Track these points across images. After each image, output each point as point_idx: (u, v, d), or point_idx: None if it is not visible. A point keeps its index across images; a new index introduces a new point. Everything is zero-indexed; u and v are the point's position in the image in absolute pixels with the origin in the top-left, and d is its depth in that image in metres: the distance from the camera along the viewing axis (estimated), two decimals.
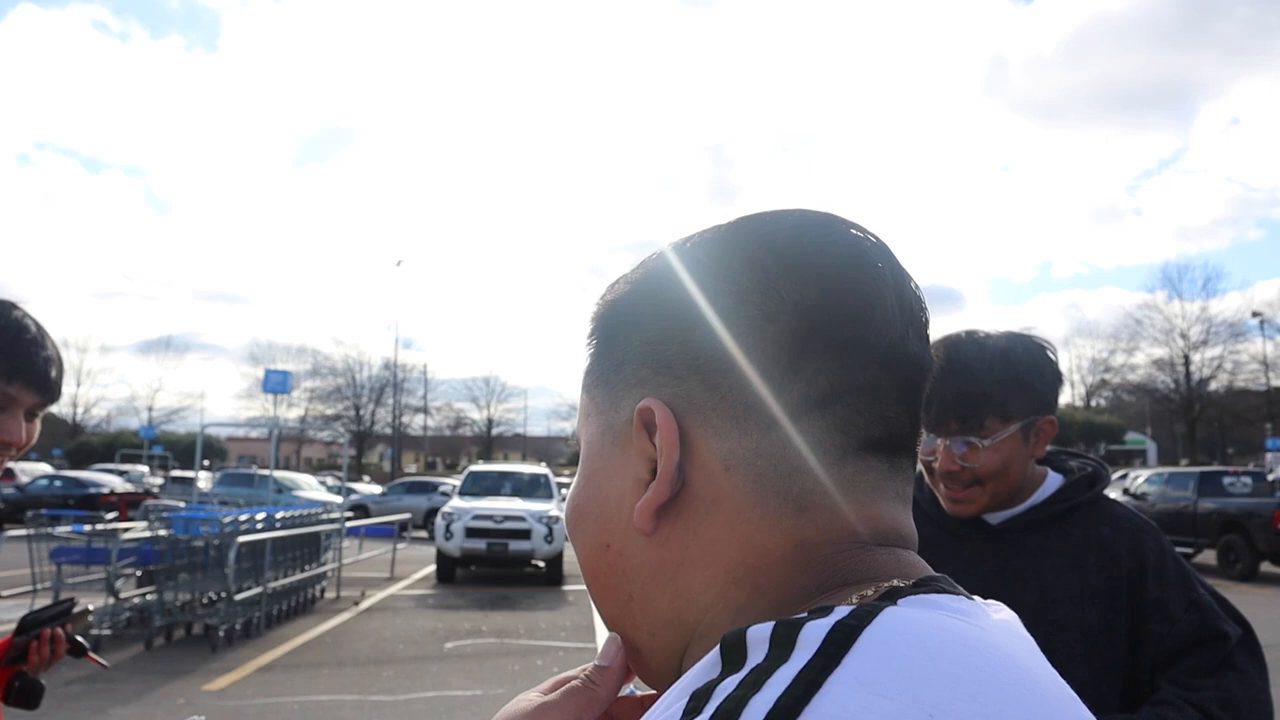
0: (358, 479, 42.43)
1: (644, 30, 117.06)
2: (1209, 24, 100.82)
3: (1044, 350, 1.74)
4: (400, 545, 17.84)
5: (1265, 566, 16.78)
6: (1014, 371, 1.67)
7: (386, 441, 69.39)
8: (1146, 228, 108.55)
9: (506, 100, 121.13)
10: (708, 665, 0.50)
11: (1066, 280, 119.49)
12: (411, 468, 72.11)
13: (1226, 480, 18.80)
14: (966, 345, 1.71)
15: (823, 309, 0.58)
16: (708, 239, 0.64)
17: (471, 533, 15.30)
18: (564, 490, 25.92)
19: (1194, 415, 65.53)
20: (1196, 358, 66.03)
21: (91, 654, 2.17)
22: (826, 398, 0.58)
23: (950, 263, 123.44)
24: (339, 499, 18.10)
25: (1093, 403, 75.32)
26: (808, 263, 0.60)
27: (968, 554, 1.74)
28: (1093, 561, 1.68)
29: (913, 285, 0.63)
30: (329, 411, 67.78)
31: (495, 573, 16.28)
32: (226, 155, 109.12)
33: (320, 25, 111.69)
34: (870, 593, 0.54)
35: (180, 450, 49.13)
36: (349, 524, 16.15)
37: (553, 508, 16.20)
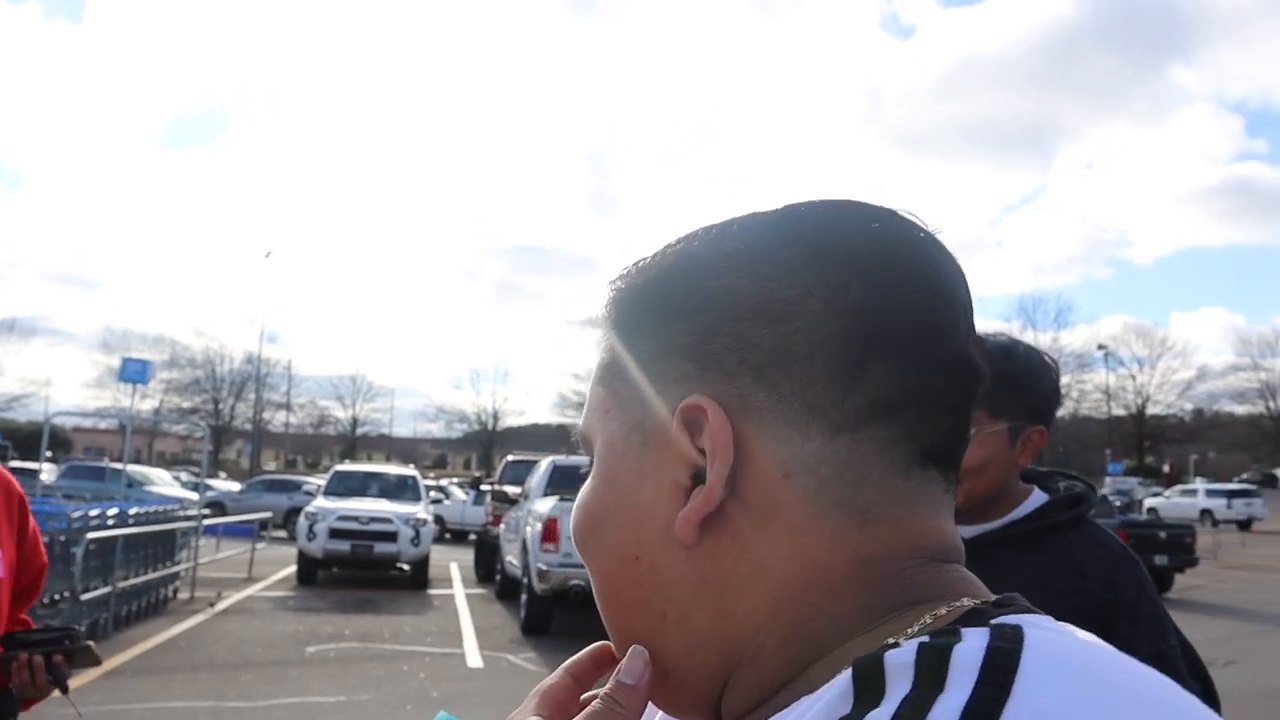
0: (214, 475, 40.86)
1: (529, 35, 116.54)
2: (1071, 70, 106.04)
3: (1045, 361, 1.73)
4: (259, 545, 17.29)
5: None
6: (1011, 369, 1.65)
7: (246, 438, 67.16)
8: (1007, 260, 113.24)
9: (386, 95, 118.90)
10: (837, 698, 0.45)
11: None
12: (271, 465, 69.78)
13: None
14: None
15: (893, 309, 0.54)
16: (760, 224, 0.59)
17: (336, 534, 14.91)
18: (433, 493, 25.56)
19: (1052, 441, 68.57)
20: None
21: (68, 694, 2.06)
22: (894, 403, 0.54)
23: None
24: (195, 495, 17.42)
25: None
26: (878, 258, 0.55)
27: None
28: (1063, 586, 1.64)
29: (968, 288, 0.59)
30: (186, 404, 65.26)
31: (358, 575, 15.86)
32: (87, 131, 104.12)
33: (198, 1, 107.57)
34: (944, 612, 0.51)
35: (21, 440, 46.41)
36: (206, 522, 15.56)
37: (420, 510, 15.92)
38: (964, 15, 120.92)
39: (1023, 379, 1.65)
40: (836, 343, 0.54)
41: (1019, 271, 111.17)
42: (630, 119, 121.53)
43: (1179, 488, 45.86)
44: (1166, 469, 64.09)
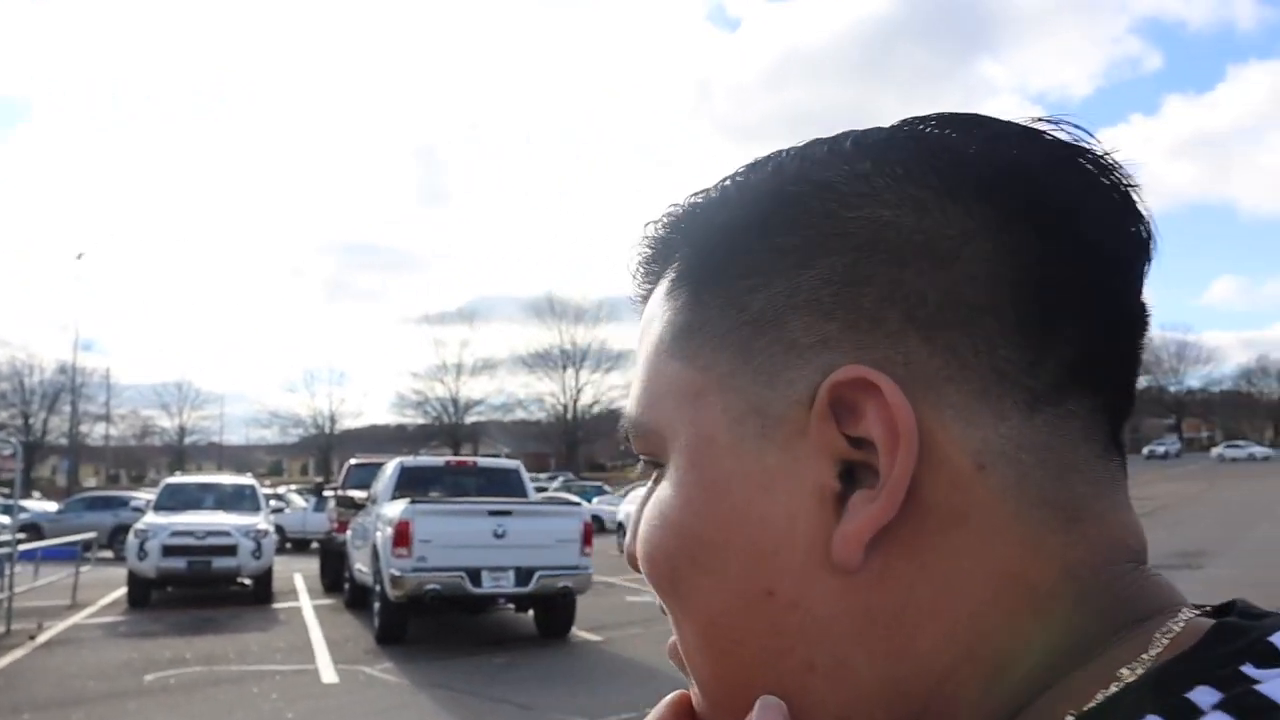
0: (28, 495, 38.23)
1: (354, 24, 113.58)
2: (888, 63, 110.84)
3: None
4: (84, 568, 16.19)
5: None
6: None
7: (62, 453, 63.18)
8: None
9: (205, 85, 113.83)
10: None
11: None
12: (91, 481, 65.84)
13: None
14: None
15: (1080, 249, 0.42)
16: (889, 142, 0.45)
17: (169, 550, 14.10)
18: (272, 501, 24.53)
19: None
20: None
21: None
22: (1094, 368, 0.42)
23: None
24: (6, 519, 16.18)
25: None
26: (1057, 184, 0.43)
27: None
28: None
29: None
30: None
31: (197, 593, 15.06)
32: None
33: None
34: (1178, 629, 0.39)
35: None
36: (21, 547, 14.48)
37: (260, 520, 15.26)
38: (787, 9, 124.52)
39: None
40: (1018, 292, 0.42)
41: None
42: (461, 112, 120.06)
43: None
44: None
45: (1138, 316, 0.44)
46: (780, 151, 0.48)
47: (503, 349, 73.63)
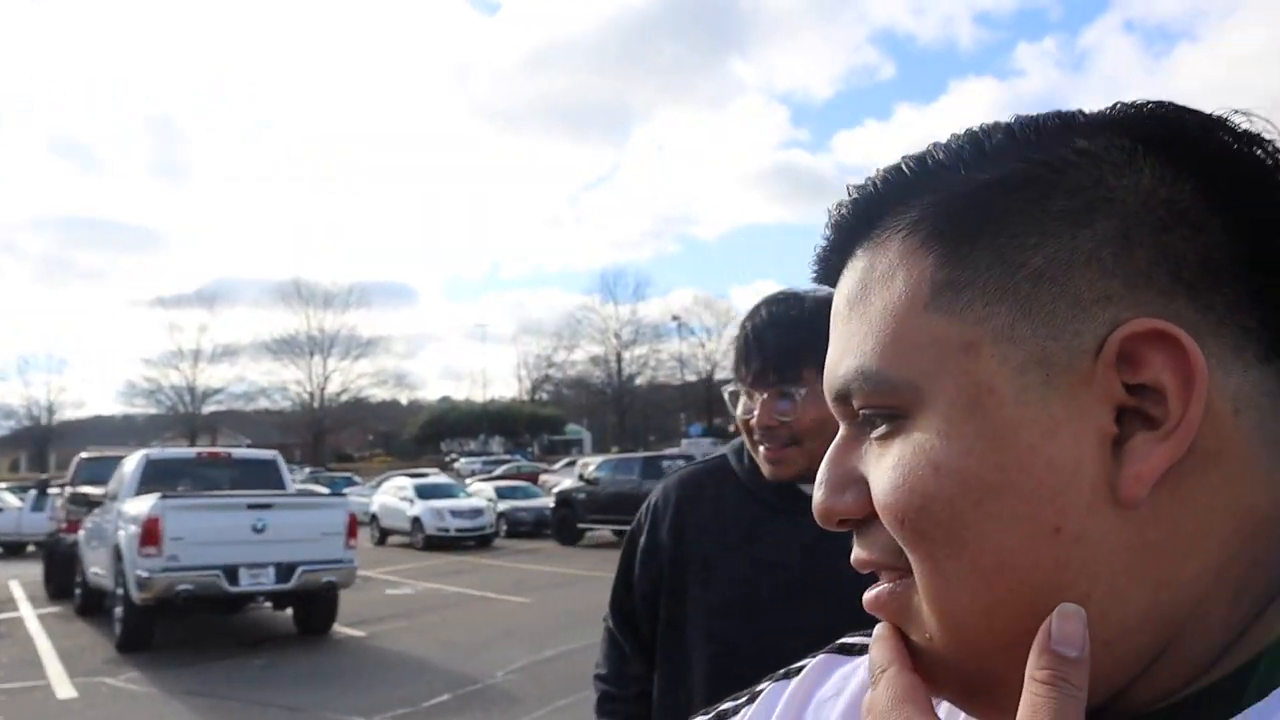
0: None
1: None
2: (645, 56, 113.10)
3: None
4: None
5: None
6: None
7: None
8: (586, 235, 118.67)
9: None
10: None
11: (514, 280, 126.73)
12: None
13: (665, 464, 21.15)
14: (788, 299, 1.68)
15: (1270, 209, 0.48)
16: (1122, 120, 0.50)
17: None
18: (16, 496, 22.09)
19: (624, 407, 72.99)
20: (627, 355, 73.63)
21: None
22: None
23: (405, 258, 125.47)
24: None
25: (537, 396, 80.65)
26: (1254, 166, 0.48)
27: (786, 528, 1.69)
28: None
29: None
30: None
31: None
32: None
33: None
34: None
35: None
36: None
37: None
38: None
39: None
40: (1243, 256, 0.47)
41: (599, 246, 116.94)
42: (204, 83, 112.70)
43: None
44: (732, 429, 70.48)
45: None
46: (997, 123, 0.52)
47: (245, 334, 69.89)
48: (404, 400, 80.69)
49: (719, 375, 74.58)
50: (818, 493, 0.55)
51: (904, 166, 0.53)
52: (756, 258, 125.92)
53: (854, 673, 0.67)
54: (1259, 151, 0.48)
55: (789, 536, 1.66)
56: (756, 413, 1.62)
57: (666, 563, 1.76)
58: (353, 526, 10.77)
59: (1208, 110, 0.50)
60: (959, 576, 0.48)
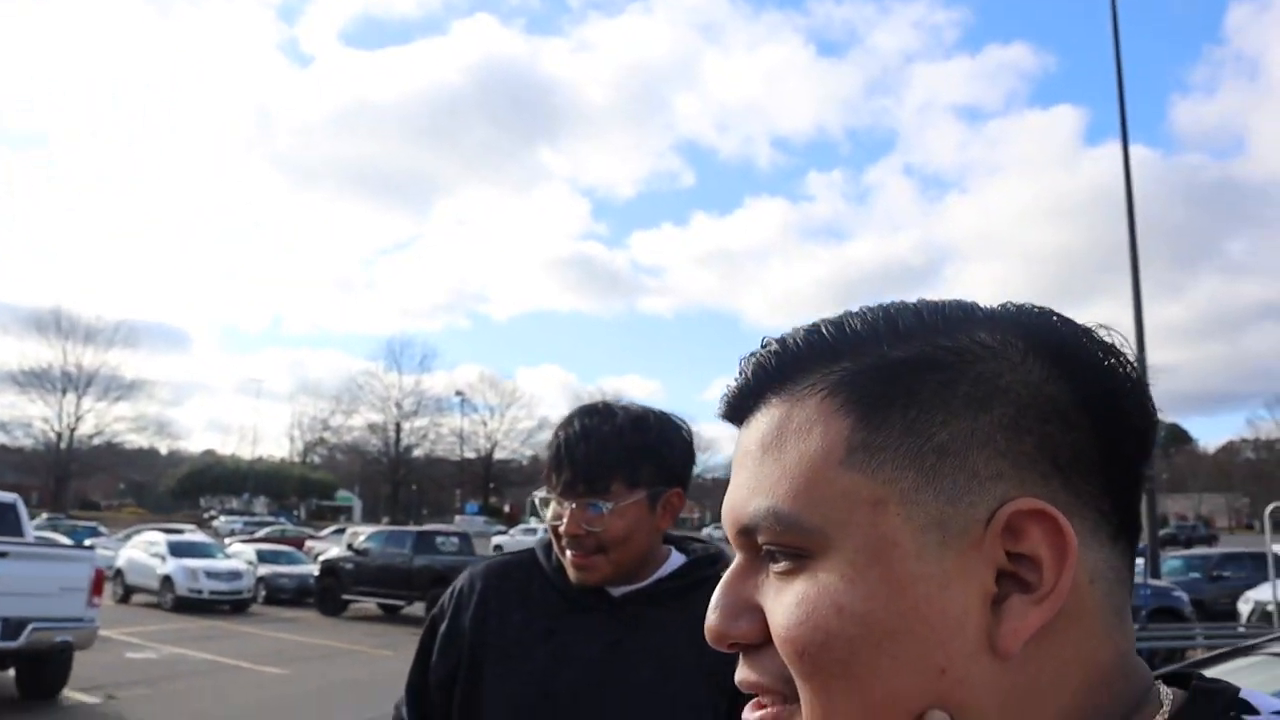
0: None
1: None
2: (455, 132, 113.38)
3: (677, 425, 1.80)
4: None
5: None
6: (643, 439, 1.70)
7: None
8: (376, 301, 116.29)
9: None
10: None
11: (296, 338, 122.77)
12: None
13: (439, 539, 20.69)
14: (600, 412, 1.73)
15: (1123, 425, 0.56)
16: (1014, 320, 0.58)
17: None
18: None
19: (399, 478, 71.07)
20: (406, 426, 72.07)
21: None
22: (1134, 511, 0.57)
23: (180, 302, 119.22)
24: None
25: (309, 459, 77.53)
26: (1109, 370, 0.57)
27: (589, 625, 1.72)
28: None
29: None
30: None
31: None
32: None
33: None
34: (1173, 696, 0.55)
35: None
36: None
37: None
38: (363, 58, 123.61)
39: (655, 447, 1.72)
40: (1103, 452, 0.55)
41: (388, 313, 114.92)
42: None
43: (520, 526, 50.27)
44: (508, 509, 69.91)
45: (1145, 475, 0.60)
46: (905, 304, 0.59)
47: None
48: (164, 449, 75.87)
49: (499, 455, 73.98)
50: (712, 615, 0.59)
51: (824, 331, 0.59)
52: (545, 342, 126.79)
53: None
54: (1114, 361, 0.57)
55: (591, 634, 1.70)
56: (565, 521, 1.66)
57: (466, 650, 1.75)
58: (98, 582, 9.94)
59: (1079, 321, 0.59)
60: (848, 708, 0.53)
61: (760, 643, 0.57)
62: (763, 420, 0.59)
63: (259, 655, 13.41)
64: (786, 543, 0.55)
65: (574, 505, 1.66)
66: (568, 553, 1.69)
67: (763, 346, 0.61)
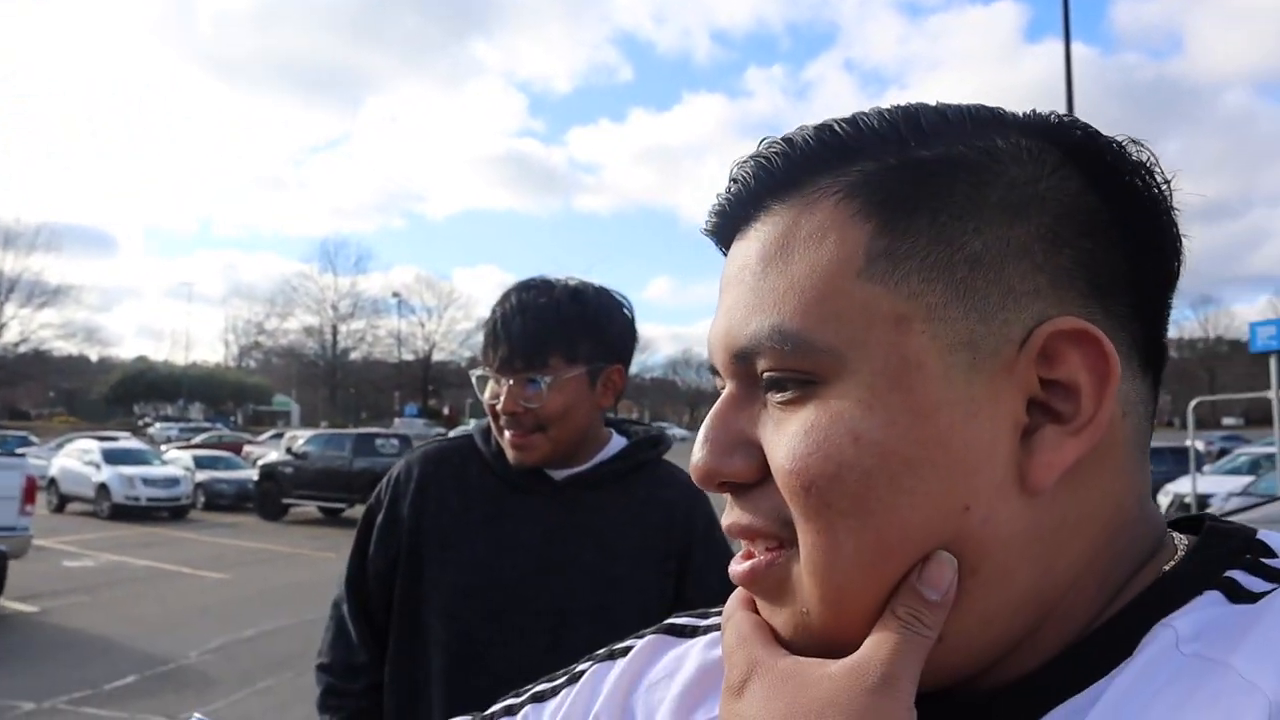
0: None
1: None
2: (384, 23, 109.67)
3: (618, 301, 1.74)
4: None
5: None
6: (582, 313, 1.65)
7: None
8: (308, 201, 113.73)
9: None
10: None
11: (226, 240, 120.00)
12: None
13: (379, 442, 20.63)
14: (537, 286, 1.67)
15: (1163, 252, 0.51)
16: (1045, 125, 0.51)
17: None
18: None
19: (336, 381, 70.47)
20: (343, 328, 71.22)
21: None
22: (1160, 341, 0.53)
23: (103, 205, 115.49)
24: None
25: (244, 363, 76.50)
26: (1140, 180, 0.50)
27: (530, 508, 1.69)
28: (654, 521, 1.70)
29: None
30: None
31: None
32: None
33: None
34: (1187, 541, 0.53)
35: None
36: None
37: None
38: None
39: (595, 321, 1.67)
40: (1136, 275, 0.50)
41: (320, 214, 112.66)
42: None
43: (460, 429, 50.25)
44: (447, 411, 69.79)
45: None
46: (925, 104, 0.52)
47: None
48: (94, 357, 74.31)
49: (437, 356, 73.55)
50: (699, 452, 0.53)
51: (838, 128, 0.51)
52: (482, 242, 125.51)
53: (686, 654, 0.66)
54: (1149, 179, 0.51)
55: (533, 518, 1.68)
56: (502, 398, 1.63)
57: (405, 538, 1.71)
58: (30, 490, 9.81)
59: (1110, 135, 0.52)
60: (855, 550, 0.47)
61: (755, 481, 0.51)
62: (764, 229, 0.52)
63: (199, 560, 13.40)
64: (793, 367, 0.49)
65: (511, 382, 1.62)
66: (506, 433, 1.65)
67: (763, 146, 0.53)
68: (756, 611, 0.53)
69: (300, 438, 22.47)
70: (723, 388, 0.55)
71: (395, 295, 70.77)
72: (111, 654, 7.97)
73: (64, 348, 66.94)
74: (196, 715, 1.35)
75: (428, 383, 73.53)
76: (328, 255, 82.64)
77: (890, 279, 0.48)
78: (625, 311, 1.74)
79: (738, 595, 0.56)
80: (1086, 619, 0.49)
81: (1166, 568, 0.50)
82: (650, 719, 0.64)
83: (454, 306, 73.99)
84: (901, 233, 0.48)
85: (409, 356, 73.34)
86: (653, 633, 0.70)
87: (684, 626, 0.69)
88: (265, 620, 9.26)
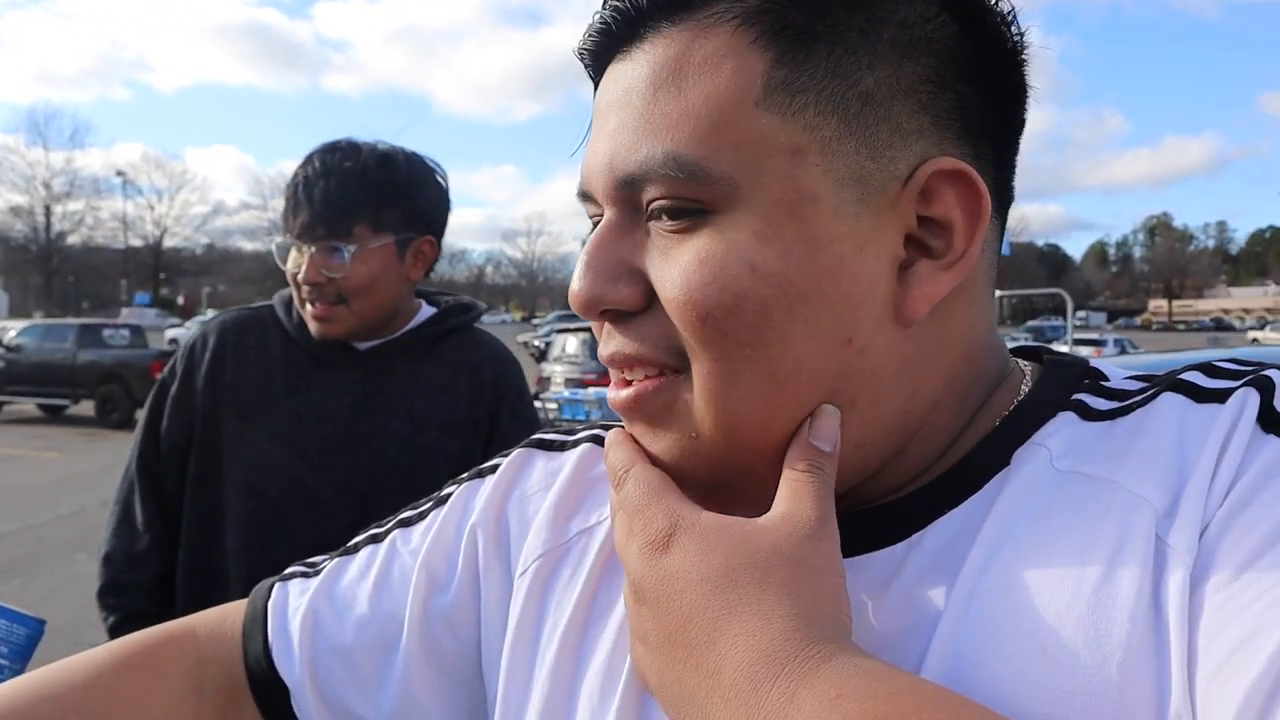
0: None
1: None
2: None
3: (431, 168, 1.67)
4: None
5: (140, 414, 17.66)
6: (390, 178, 1.58)
7: None
8: (9, 63, 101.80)
9: None
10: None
11: None
12: None
13: (106, 333, 19.19)
14: (342, 149, 1.58)
15: (1016, 84, 0.54)
16: None
17: None
18: None
19: (52, 268, 64.57)
20: (58, 209, 65.08)
21: None
22: (1009, 177, 0.56)
23: None
24: None
25: None
26: (1000, 23, 0.53)
27: (336, 381, 1.63)
28: (463, 387, 1.67)
29: None
30: None
31: None
32: None
33: None
34: (1030, 368, 0.58)
35: None
36: None
37: None
38: None
39: (405, 187, 1.61)
40: (999, 120, 0.54)
41: (24, 79, 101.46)
42: None
43: (198, 319, 47.47)
44: (181, 300, 65.63)
45: None
46: None
47: None
48: None
49: (169, 242, 68.69)
50: (580, 281, 0.52)
51: None
52: (218, 120, 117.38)
53: (560, 467, 0.68)
54: (1013, 30, 0.53)
55: (337, 391, 1.64)
56: (304, 267, 1.56)
57: (200, 411, 1.64)
58: None
59: None
60: (751, 377, 0.49)
61: (639, 309, 0.52)
62: (654, 51, 0.51)
63: None
64: (686, 195, 0.49)
65: (314, 250, 1.55)
66: (308, 305, 1.59)
67: None
68: (639, 447, 0.54)
69: (11, 329, 20.54)
70: (597, 216, 0.54)
71: (119, 174, 65.27)
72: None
73: None
74: None
75: (159, 270, 68.65)
76: (36, 126, 74.31)
77: (787, 110, 0.48)
78: (439, 180, 1.68)
79: (618, 434, 0.56)
80: (947, 438, 0.54)
81: (1024, 390, 0.56)
82: (526, 526, 0.66)
83: (188, 188, 69.15)
84: (799, 64, 0.49)
85: (137, 242, 68.12)
86: (521, 447, 0.71)
87: (553, 441, 0.71)
88: None
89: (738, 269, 0.48)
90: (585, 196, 0.55)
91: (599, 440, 0.69)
